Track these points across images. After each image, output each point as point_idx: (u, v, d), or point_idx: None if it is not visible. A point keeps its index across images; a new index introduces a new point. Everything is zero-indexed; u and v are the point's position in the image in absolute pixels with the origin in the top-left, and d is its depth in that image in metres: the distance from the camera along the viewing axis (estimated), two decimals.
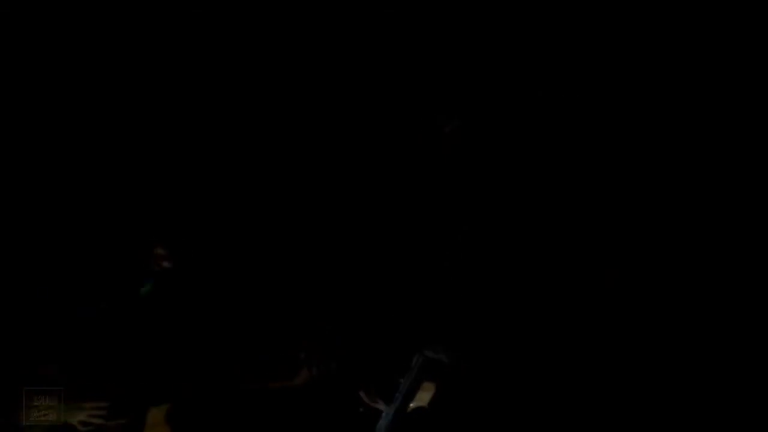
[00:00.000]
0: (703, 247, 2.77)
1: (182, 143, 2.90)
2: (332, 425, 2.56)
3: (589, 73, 2.89)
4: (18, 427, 2.26)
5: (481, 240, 2.88)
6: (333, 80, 2.97)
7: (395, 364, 2.54)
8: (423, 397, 2.48)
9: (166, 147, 2.88)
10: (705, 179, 2.81)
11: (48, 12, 2.78)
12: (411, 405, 2.46)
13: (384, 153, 2.96)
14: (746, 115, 2.79)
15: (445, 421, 2.49)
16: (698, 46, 2.82)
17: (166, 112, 2.90)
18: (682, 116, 2.84)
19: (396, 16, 2.92)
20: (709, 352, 2.64)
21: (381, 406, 2.47)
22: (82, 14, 2.80)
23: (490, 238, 2.87)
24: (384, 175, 2.95)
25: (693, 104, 2.83)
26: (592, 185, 2.87)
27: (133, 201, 2.79)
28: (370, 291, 2.80)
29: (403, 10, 2.92)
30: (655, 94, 2.86)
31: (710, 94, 2.82)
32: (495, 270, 2.84)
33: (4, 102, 2.76)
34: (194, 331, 2.63)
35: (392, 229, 2.90)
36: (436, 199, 2.92)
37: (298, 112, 2.97)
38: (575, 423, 2.59)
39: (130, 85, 2.86)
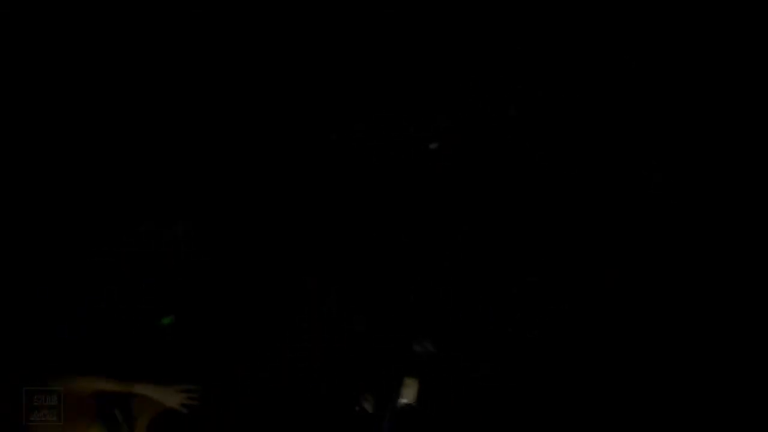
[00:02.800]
0: (702, 247, 2.77)
1: (189, 142, 2.90)
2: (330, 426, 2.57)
3: (589, 74, 2.90)
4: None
5: (480, 240, 2.88)
6: (334, 81, 2.97)
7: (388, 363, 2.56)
8: (407, 394, 2.48)
9: (171, 145, 2.88)
10: (704, 179, 2.81)
11: (48, 12, 2.77)
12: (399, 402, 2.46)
13: (384, 153, 2.96)
14: (746, 115, 2.79)
15: (438, 416, 2.49)
16: (697, 46, 2.83)
17: (166, 114, 2.90)
18: (681, 117, 2.85)
19: (395, 17, 2.92)
20: (708, 351, 2.65)
21: (369, 407, 2.47)
22: (82, 14, 2.80)
23: (489, 238, 2.88)
24: (384, 175, 2.95)
25: (692, 105, 2.84)
26: (592, 185, 2.88)
27: (135, 200, 2.79)
28: (372, 289, 2.81)
29: (403, 11, 2.92)
30: (654, 94, 2.86)
31: (709, 95, 2.83)
32: (495, 270, 2.84)
33: (5, 102, 2.75)
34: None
35: (393, 229, 2.90)
36: (437, 198, 2.92)
37: (299, 113, 2.97)
38: (575, 422, 2.60)
39: (135, 86, 2.86)
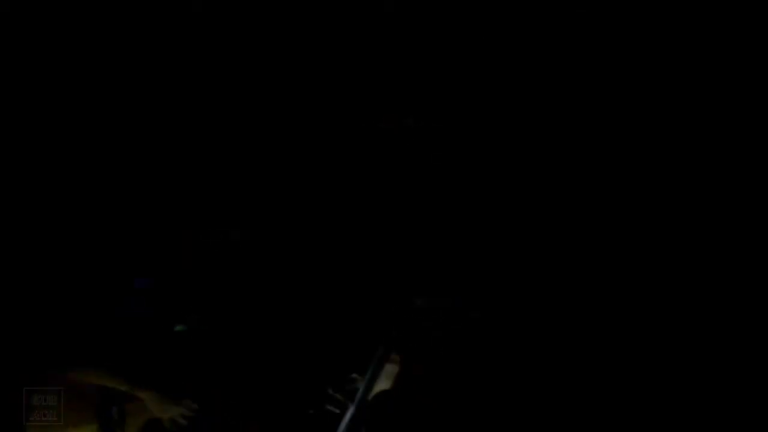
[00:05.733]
0: (702, 247, 2.77)
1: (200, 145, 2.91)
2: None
3: (588, 71, 2.89)
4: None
5: (479, 240, 2.88)
6: (330, 79, 2.97)
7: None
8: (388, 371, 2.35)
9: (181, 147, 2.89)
10: (704, 179, 2.81)
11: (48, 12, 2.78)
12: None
13: (380, 149, 2.96)
14: (746, 115, 2.79)
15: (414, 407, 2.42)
16: (694, 46, 2.82)
17: (173, 119, 2.91)
18: (680, 115, 2.84)
19: (393, 16, 2.92)
20: (709, 352, 2.64)
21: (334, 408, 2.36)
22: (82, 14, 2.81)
23: (488, 238, 2.88)
24: (382, 173, 2.96)
25: (691, 104, 2.83)
26: (591, 185, 2.88)
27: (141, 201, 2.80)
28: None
29: (399, 10, 2.92)
30: (651, 91, 2.86)
31: (709, 94, 2.82)
32: (494, 269, 2.84)
33: (10, 102, 2.76)
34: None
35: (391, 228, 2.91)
36: (435, 196, 2.93)
37: (298, 114, 2.98)
38: (575, 422, 2.60)
39: (143, 86, 2.87)
